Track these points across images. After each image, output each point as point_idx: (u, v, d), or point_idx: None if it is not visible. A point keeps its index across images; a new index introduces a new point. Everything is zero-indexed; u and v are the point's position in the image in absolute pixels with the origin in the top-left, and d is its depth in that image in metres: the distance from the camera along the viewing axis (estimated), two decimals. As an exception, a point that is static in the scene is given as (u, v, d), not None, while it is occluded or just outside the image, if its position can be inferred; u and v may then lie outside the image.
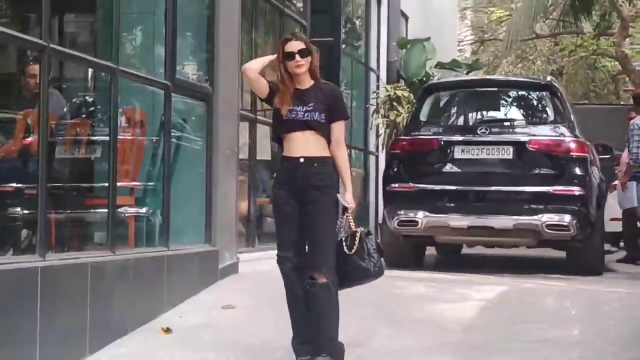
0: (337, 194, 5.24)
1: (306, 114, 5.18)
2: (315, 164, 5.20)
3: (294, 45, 5.21)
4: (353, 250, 5.20)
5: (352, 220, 5.26)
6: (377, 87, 15.80)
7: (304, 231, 5.26)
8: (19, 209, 6.36)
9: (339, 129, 5.29)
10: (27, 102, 6.68)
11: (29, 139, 6.27)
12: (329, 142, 5.26)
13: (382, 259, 5.32)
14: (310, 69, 5.27)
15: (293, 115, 5.18)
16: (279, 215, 5.35)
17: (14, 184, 6.47)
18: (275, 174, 5.49)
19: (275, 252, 5.38)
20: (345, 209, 5.24)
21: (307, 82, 5.29)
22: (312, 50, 5.27)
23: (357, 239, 5.21)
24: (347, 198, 5.24)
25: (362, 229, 5.29)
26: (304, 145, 5.20)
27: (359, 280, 5.33)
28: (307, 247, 5.26)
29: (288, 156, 5.26)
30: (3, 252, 5.84)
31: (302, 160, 5.20)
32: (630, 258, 11.92)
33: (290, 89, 5.24)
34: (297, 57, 5.19)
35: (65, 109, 7.21)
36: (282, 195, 5.28)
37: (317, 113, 5.19)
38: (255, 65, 5.40)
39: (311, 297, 5.19)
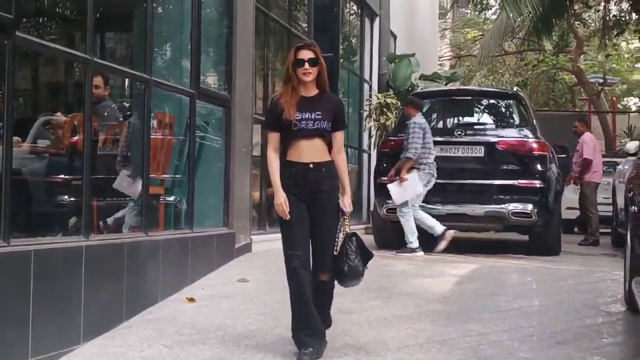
0: (338, 199, 4.87)
1: (316, 123, 4.77)
2: (323, 169, 4.81)
3: (305, 54, 4.78)
4: (336, 252, 4.80)
5: (347, 223, 4.86)
6: (370, 96, 15.76)
7: (309, 231, 4.84)
8: (66, 197, 6.36)
9: (341, 137, 4.90)
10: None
11: (75, 138, 6.25)
12: (329, 147, 4.86)
13: (358, 261, 4.84)
14: (320, 80, 4.86)
15: (303, 125, 4.76)
16: (290, 217, 4.76)
17: (63, 176, 6.47)
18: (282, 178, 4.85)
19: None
20: (343, 212, 4.84)
21: (313, 90, 4.86)
22: (322, 61, 4.84)
23: (341, 241, 4.81)
24: (346, 202, 4.86)
25: (349, 232, 4.84)
26: (312, 151, 4.79)
27: (339, 280, 4.94)
28: (311, 246, 4.86)
29: (295, 161, 4.80)
30: (54, 233, 5.85)
31: (311, 165, 4.77)
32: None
33: (297, 93, 4.82)
34: (306, 65, 4.76)
35: (120, 119, 7.24)
36: (292, 199, 4.76)
37: (325, 122, 4.79)
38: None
39: (318, 291, 4.85)
